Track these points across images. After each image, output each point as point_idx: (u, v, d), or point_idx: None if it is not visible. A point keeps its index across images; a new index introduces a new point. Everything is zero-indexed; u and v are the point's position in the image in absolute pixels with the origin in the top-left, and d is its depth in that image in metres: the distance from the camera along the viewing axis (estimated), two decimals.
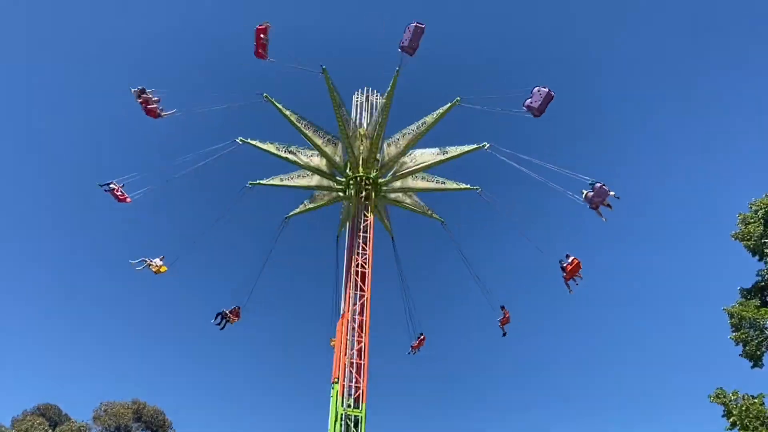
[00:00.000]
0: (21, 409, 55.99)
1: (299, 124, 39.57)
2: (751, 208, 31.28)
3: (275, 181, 42.80)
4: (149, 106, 37.05)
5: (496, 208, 43.98)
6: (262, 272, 43.22)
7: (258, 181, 42.60)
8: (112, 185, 36.68)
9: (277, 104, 38.90)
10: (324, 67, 37.25)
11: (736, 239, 30.93)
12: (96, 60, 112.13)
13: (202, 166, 39.48)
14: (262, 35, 36.96)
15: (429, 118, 39.77)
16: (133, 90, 36.78)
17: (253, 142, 40.60)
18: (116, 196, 36.79)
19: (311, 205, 45.08)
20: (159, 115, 37.48)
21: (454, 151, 41.09)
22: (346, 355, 34.70)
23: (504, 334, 40.90)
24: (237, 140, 40.23)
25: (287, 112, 39.26)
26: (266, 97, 38.62)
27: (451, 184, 43.53)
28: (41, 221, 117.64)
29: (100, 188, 36.75)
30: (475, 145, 40.33)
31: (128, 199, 37.13)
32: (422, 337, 42.87)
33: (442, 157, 41.19)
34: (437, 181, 43.33)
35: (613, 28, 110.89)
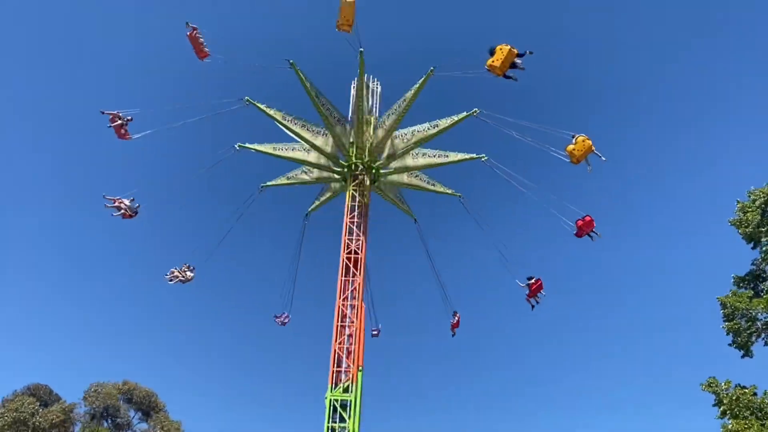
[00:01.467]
0: (11, 389, 55.93)
1: (285, 122, 39.12)
2: (749, 197, 31.22)
3: (267, 148, 41.19)
4: (121, 130, 35.97)
5: (504, 176, 41.75)
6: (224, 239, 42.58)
7: (248, 145, 40.97)
8: (117, 120, 35.55)
9: (260, 105, 38.77)
10: (291, 60, 36.48)
11: (733, 225, 30.93)
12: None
13: (203, 121, 39.28)
14: (195, 37, 37.23)
15: (408, 94, 38.84)
16: (105, 112, 35.68)
17: (260, 106, 39.47)
18: (118, 133, 35.81)
19: (298, 180, 44.05)
20: (127, 137, 36.43)
21: (445, 122, 40.11)
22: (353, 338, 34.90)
23: (533, 307, 38.95)
24: (235, 146, 40.08)
25: (271, 112, 39.04)
26: (248, 100, 38.38)
27: (455, 156, 42.31)
28: (29, 209, 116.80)
29: (102, 115, 35.52)
30: (465, 113, 39.38)
31: (128, 136, 36.12)
32: (457, 316, 43.00)
33: (435, 131, 40.26)
34: (439, 155, 42.31)
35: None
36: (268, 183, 43.45)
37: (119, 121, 35.64)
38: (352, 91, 42.54)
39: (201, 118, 39.29)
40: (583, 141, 31.95)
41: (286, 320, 45.28)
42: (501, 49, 31.39)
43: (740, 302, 28.02)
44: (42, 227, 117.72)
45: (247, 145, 41.10)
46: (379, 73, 44.15)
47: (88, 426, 52.11)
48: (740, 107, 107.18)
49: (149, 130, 37.42)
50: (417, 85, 38.22)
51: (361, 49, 36.13)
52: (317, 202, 45.06)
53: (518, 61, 31.34)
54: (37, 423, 49.35)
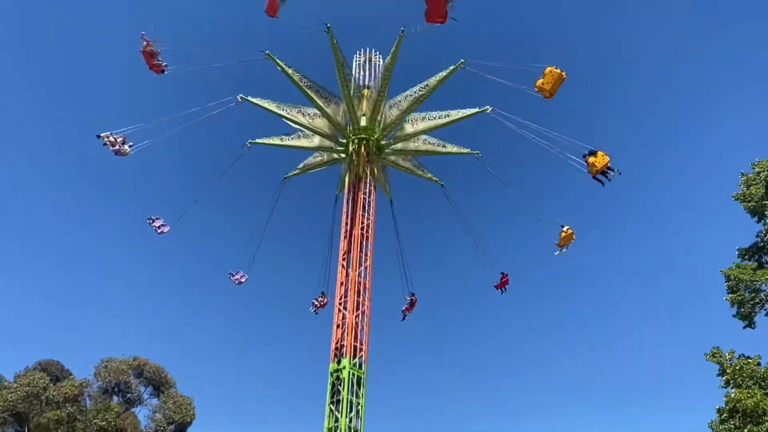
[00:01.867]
0: (24, 365, 56.85)
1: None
2: (754, 168, 31.27)
3: (275, 140, 42.73)
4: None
5: (496, 174, 43.64)
6: (265, 232, 44.17)
7: (258, 140, 42.56)
8: (110, 138, 35.75)
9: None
10: (329, 25, 36.42)
11: (737, 200, 31.13)
12: (98, 8, 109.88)
13: (201, 123, 39.17)
14: (148, 51, 36.45)
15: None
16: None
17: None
18: (114, 149, 36.04)
19: (311, 166, 45.02)
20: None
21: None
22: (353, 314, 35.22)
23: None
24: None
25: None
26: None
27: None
28: (38, 182, 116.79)
29: (98, 139, 35.57)
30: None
31: (127, 152, 36.53)
32: (504, 276, 41.73)
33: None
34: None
35: None
36: (257, 140, 43.17)
37: (114, 145, 36.00)
38: (354, 63, 42.74)
39: (197, 121, 39.16)
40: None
41: (243, 279, 43.79)
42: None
43: (744, 274, 28.49)
44: (53, 207, 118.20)
45: (258, 140, 42.52)
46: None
47: (99, 399, 52.98)
48: (745, 77, 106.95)
49: (147, 141, 37.60)
50: (444, 74, 38.74)
51: (328, 24, 36.31)
52: (301, 168, 45.50)
53: (610, 172, 32.98)
54: (50, 396, 50.25)
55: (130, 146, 36.68)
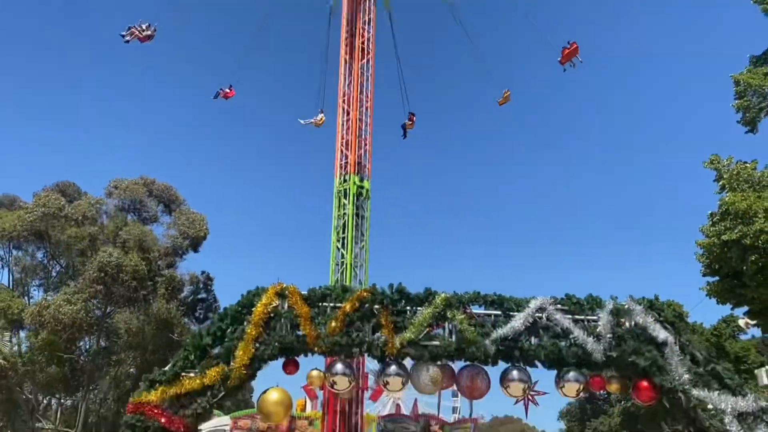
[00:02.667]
0: (41, 185, 57.99)
1: None
2: None
3: None
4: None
5: None
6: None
7: None
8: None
9: None
10: None
11: (755, 3, 29.57)
12: None
13: None
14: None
15: None
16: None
17: None
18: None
19: None
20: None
21: None
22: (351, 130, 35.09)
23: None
24: None
25: None
26: None
27: None
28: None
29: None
30: None
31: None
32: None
33: None
34: None
35: None
36: None
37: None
38: None
39: None
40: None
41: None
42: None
43: (754, 79, 27.83)
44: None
45: None
46: None
47: (116, 217, 54.89)
48: None
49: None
50: None
51: None
52: None
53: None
54: (69, 214, 52.12)
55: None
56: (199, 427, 12.90)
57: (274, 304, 11.54)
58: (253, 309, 11.42)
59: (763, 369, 32.36)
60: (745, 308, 28.31)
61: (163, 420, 10.38)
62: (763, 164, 27.65)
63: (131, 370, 57.80)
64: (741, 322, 32.79)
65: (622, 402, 50.28)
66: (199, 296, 63.83)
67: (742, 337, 45.52)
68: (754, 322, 30.22)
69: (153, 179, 61.26)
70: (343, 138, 35.65)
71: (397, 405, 59.83)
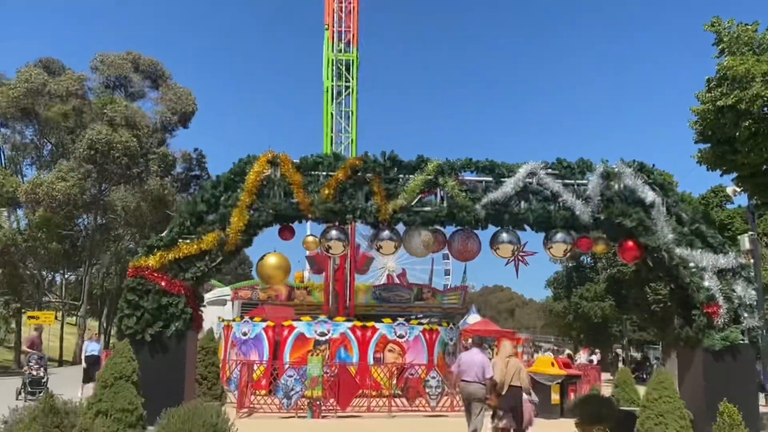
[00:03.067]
0: (25, 61, 56.30)
1: None
2: None
3: None
4: None
5: None
6: None
7: None
8: None
9: None
10: None
11: None
12: None
13: None
14: None
15: None
16: None
17: None
18: None
19: None
20: None
21: None
22: None
23: None
24: None
25: None
26: None
27: None
28: None
29: None
30: None
31: None
32: None
33: None
34: None
35: None
36: None
37: None
38: None
39: None
40: None
41: None
42: None
43: None
44: None
45: None
46: None
47: (103, 94, 53.73)
48: None
49: None
50: None
51: None
52: None
53: None
54: (52, 90, 50.90)
55: None
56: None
57: (267, 172, 11.54)
58: (245, 177, 11.45)
59: (746, 235, 33.10)
60: (734, 175, 28.35)
61: (163, 283, 10.72)
62: (765, 26, 26.66)
63: (131, 245, 59.18)
64: (729, 190, 33.13)
65: (608, 270, 52.09)
66: (193, 173, 64.10)
67: (729, 206, 46.48)
68: (741, 188, 30.42)
69: (139, 54, 59.51)
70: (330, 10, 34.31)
71: (389, 275, 62.04)
